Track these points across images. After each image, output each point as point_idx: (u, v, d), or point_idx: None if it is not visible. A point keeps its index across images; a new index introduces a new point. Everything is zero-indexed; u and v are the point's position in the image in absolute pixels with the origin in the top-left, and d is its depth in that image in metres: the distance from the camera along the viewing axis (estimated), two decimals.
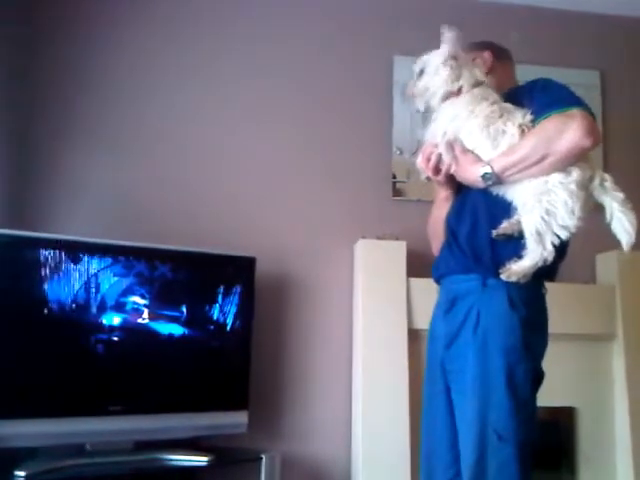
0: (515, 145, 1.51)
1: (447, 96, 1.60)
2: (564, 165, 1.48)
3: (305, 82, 2.85)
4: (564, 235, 1.49)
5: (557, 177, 1.48)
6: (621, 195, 1.50)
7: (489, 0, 2.99)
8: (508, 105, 1.57)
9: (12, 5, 2.53)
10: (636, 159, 2.99)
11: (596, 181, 1.50)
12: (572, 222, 1.48)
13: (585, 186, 1.49)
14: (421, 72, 1.62)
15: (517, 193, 1.54)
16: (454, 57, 1.59)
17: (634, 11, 3.08)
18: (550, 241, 1.49)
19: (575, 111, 1.48)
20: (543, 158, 1.47)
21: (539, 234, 1.49)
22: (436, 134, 1.61)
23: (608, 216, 1.50)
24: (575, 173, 1.48)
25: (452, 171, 1.63)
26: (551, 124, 1.49)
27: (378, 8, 2.94)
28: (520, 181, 1.52)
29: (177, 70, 2.75)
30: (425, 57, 1.62)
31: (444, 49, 1.59)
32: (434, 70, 1.59)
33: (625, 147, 2.99)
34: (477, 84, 1.59)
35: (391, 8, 2.95)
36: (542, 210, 1.48)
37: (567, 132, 1.45)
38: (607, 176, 1.52)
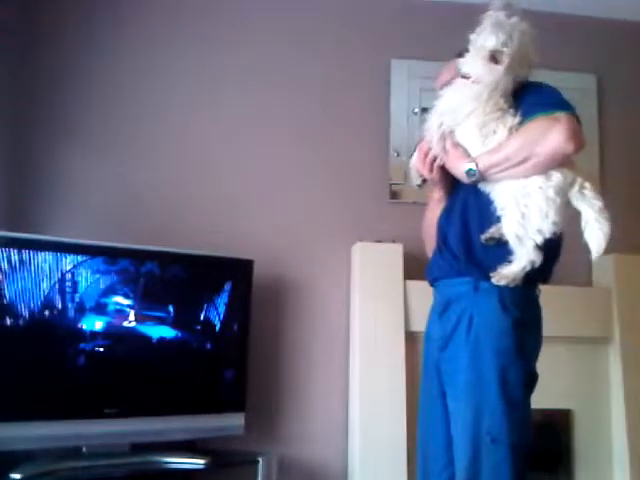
0: (501, 144, 1.53)
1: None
2: (547, 168, 1.50)
3: (302, 85, 2.85)
4: (539, 239, 1.50)
5: (537, 181, 1.50)
6: (599, 204, 1.51)
7: (486, 3, 2.99)
8: (504, 107, 1.58)
9: (12, 5, 2.53)
10: (632, 163, 2.99)
11: (575, 187, 1.51)
12: (546, 226, 1.48)
13: (563, 192, 1.50)
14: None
15: (499, 195, 1.55)
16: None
17: (631, 15, 3.08)
18: (531, 245, 1.50)
19: (560, 114, 1.49)
20: (526, 160, 1.49)
21: (518, 238, 1.50)
22: (432, 125, 1.63)
23: (583, 223, 1.51)
24: (555, 178, 1.49)
25: (442, 163, 1.65)
26: (535, 126, 1.50)
27: (375, 12, 2.94)
28: (504, 180, 1.54)
29: (176, 72, 2.75)
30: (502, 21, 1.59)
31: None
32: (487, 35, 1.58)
33: (621, 151, 2.99)
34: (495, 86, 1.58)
35: (388, 12, 2.95)
36: (518, 214, 1.49)
37: (550, 136, 1.47)
38: (587, 184, 1.52)
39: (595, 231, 1.49)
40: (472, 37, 1.61)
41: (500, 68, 1.56)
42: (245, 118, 2.78)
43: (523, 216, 1.49)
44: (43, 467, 1.97)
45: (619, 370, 2.63)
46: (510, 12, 1.60)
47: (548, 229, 1.49)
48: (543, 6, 3.02)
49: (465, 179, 1.59)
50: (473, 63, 1.59)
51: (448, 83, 1.66)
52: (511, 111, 1.56)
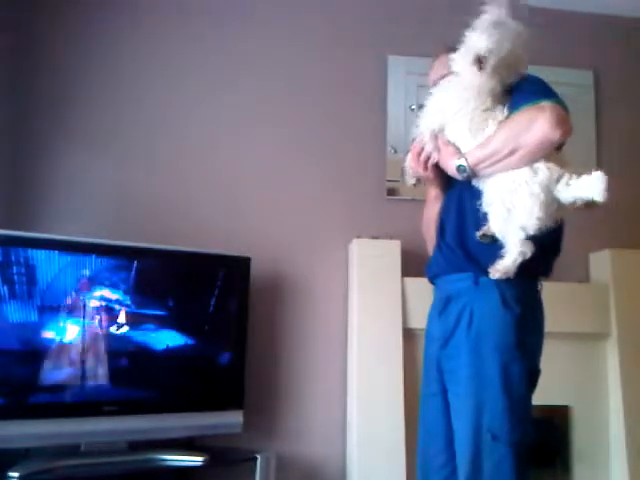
0: (488, 138, 1.52)
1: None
2: (534, 158, 1.48)
3: (300, 81, 2.85)
4: (522, 236, 1.48)
5: (524, 176, 1.48)
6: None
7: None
8: (490, 107, 1.56)
9: (12, 5, 2.53)
10: (629, 158, 2.99)
11: (562, 182, 1.47)
12: (530, 222, 1.47)
13: (549, 189, 1.47)
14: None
15: (488, 192, 1.55)
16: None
17: (628, 11, 3.09)
18: (517, 239, 1.49)
19: (545, 103, 1.48)
20: (513, 151, 1.48)
21: (504, 233, 1.50)
22: (423, 125, 1.63)
23: (573, 193, 1.46)
24: (541, 174, 1.47)
25: (435, 161, 1.65)
26: (521, 117, 1.50)
27: (372, 8, 2.94)
28: (495, 174, 1.53)
29: (175, 71, 2.75)
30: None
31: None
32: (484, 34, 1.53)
33: (618, 146, 3.00)
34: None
35: (385, 8, 2.95)
36: (504, 210, 1.49)
37: (535, 125, 1.46)
38: (574, 177, 1.48)
39: (587, 179, 1.44)
40: (467, 34, 1.58)
41: (481, 75, 1.54)
42: (243, 115, 2.77)
43: (508, 211, 1.48)
44: (41, 465, 1.97)
45: (617, 366, 2.63)
46: (513, 11, 1.56)
47: (532, 225, 1.47)
48: (540, 2, 3.02)
49: (457, 176, 1.59)
50: (461, 63, 1.58)
51: (438, 80, 1.65)
52: (500, 106, 1.56)
